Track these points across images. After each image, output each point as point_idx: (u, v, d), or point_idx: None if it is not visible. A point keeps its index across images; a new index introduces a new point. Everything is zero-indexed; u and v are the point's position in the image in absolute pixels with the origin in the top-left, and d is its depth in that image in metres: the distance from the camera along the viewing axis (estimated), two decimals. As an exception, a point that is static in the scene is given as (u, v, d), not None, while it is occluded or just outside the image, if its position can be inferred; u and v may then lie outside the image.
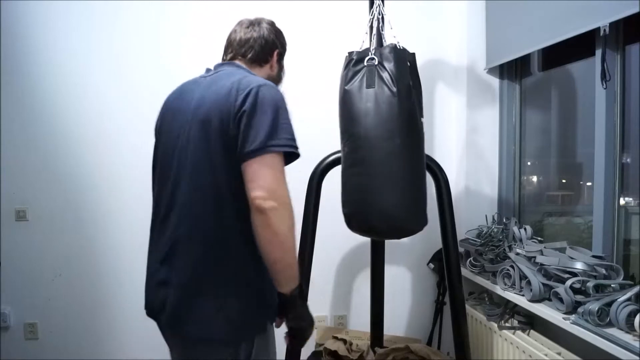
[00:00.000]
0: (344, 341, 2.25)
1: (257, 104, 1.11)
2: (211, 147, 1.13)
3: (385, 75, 1.52)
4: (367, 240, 2.24)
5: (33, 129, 2.35)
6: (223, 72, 1.27)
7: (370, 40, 1.73)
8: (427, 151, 2.09)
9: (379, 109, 1.51)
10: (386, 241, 2.12)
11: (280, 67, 1.45)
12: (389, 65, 1.53)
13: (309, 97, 2.43)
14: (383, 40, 1.72)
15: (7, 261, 2.36)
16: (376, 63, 1.54)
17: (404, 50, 1.59)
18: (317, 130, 2.36)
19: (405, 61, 1.56)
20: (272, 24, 1.43)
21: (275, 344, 1.29)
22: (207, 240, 1.14)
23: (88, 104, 2.37)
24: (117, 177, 2.37)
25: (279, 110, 1.13)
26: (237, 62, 1.34)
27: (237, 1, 2.36)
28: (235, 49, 1.36)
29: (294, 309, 1.18)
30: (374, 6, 1.71)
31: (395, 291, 2.52)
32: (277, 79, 1.43)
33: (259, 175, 1.07)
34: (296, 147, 1.14)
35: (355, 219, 1.61)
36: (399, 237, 1.71)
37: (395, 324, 2.53)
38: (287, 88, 2.38)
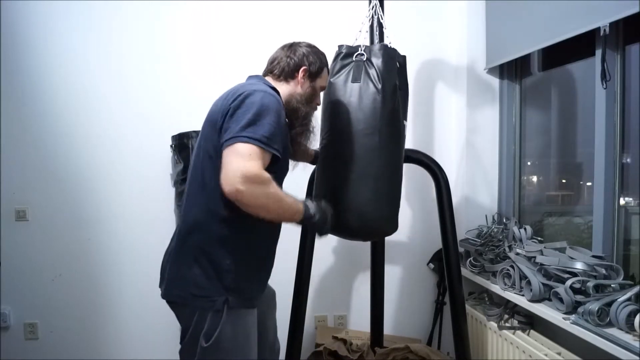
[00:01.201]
0: (344, 341, 2.25)
1: (243, 103, 1.25)
2: (207, 143, 1.31)
3: (372, 71, 1.51)
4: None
5: (33, 129, 2.35)
6: (244, 82, 1.44)
7: (371, 40, 1.73)
8: (427, 151, 2.10)
9: (361, 104, 1.49)
10: (386, 241, 2.12)
11: (312, 86, 1.50)
12: (377, 62, 1.51)
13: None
14: (384, 39, 1.72)
15: (7, 261, 2.36)
16: (364, 59, 1.53)
17: (395, 50, 1.58)
18: (317, 130, 2.36)
19: (394, 60, 1.55)
20: (308, 46, 1.51)
21: (247, 335, 1.35)
22: (193, 222, 1.33)
23: (88, 104, 2.37)
24: (117, 177, 2.37)
25: (263, 112, 1.23)
26: (266, 77, 1.48)
27: (236, 1, 2.37)
28: (267, 66, 1.51)
29: (312, 227, 1.40)
30: (371, 6, 1.71)
31: (395, 291, 2.52)
32: (306, 97, 1.48)
33: (225, 164, 1.19)
34: (269, 145, 1.22)
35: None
36: (369, 238, 1.70)
37: (395, 324, 2.54)
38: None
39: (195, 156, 1.38)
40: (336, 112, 1.53)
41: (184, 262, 1.33)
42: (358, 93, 1.50)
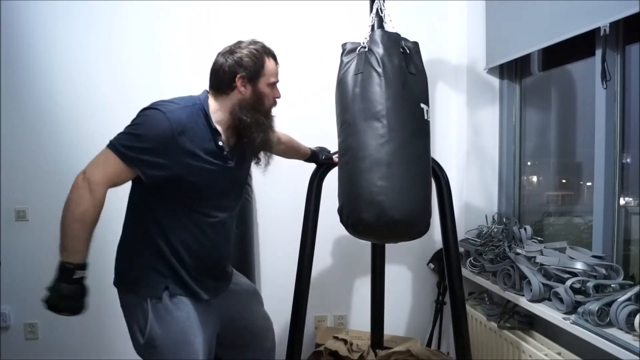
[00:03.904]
0: (345, 341, 2.24)
1: (135, 117, 1.37)
2: None
3: (372, 58, 1.47)
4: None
5: (33, 129, 2.35)
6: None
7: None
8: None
9: (366, 93, 1.45)
10: (386, 241, 2.11)
11: (257, 91, 1.42)
12: (376, 49, 1.47)
13: (310, 97, 2.43)
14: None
15: (7, 261, 2.35)
16: (366, 50, 1.51)
17: (398, 35, 1.54)
18: (317, 130, 2.36)
19: (396, 45, 1.50)
20: (247, 46, 1.41)
21: (177, 324, 1.37)
22: (124, 222, 1.52)
23: (88, 104, 2.37)
24: (117, 177, 2.37)
25: (139, 126, 1.32)
26: (207, 91, 1.45)
27: (236, 1, 2.37)
28: (209, 81, 1.45)
29: (52, 284, 1.37)
30: (375, 5, 1.71)
31: (395, 291, 2.52)
32: (249, 104, 1.41)
33: (92, 160, 1.36)
34: (123, 154, 1.31)
35: (346, 211, 1.51)
36: (391, 236, 1.52)
37: (395, 324, 2.53)
38: (288, 88, 2.40)
39: None
40: (344, 107, 1.51)
41: (122, 252, 1.50)
42: (362, 83, 1.47)
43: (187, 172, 1.34)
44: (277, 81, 1.48)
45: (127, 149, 1.30)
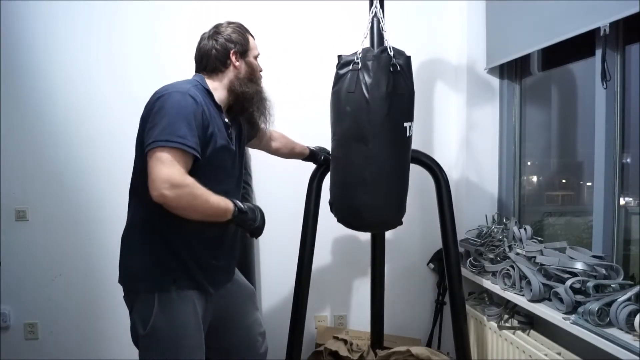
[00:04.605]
0: (345, 341, 2.25)
1: (156, 106, 1.30)
2: (137, 148, 1.37)
3: (362, 82, 1.56)
4: (367, 239, 2.25)
5: (33, 129, 2.35)
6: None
7: (372, 41, 1.73)
8: (427, 151, 2.10)
9: (354, 114, 1.57)
10: (386, 241, 2.12)
11: (249, 64, 1.49)
12: (366, 72, 1.56)
13: (309, 97, 2.43)
14: (384, 40, 1.72)
15: (7, 261, 2.36)
16: (359, 67, 1.57)
17: (389, 56, 1.57)
18: (317, 130, 2.36)
19: (386, 67, 1.56)
20: (229, 25, 1.49)
21: (181, 317, 1.36)
22: (129, 216, 1.45)
23: (88, 103, 2.37)
24: (117, 176, 2.36)
25: (176, 114, 1.27)
26: (201, 74, 1.47)
27: (236, 1, 2.36)
28: (197, 65, 1.50)
29: (242, 225, 1.40)
30: (372, 6, 1.71)
31: (395, 291, 2.52)
32: (246, 77, 1.48)
33: (150, 170, 1.24)
34: (187, 146, 1.25)
35: (334, 208, 1.76)
36: (371, 230, 1.86)
37: (395, 324, 2.53)
38: (288, 89, 2.41)
39: (136, 151, 1.41)
40: (337, 119, 1.64)
41: (127, 250, 1.45)
42: (352, 103, 1.57)
43: (212, 149, 1.35)
44: (259, 54, 1.56)
45: (181, 138, 1.25)
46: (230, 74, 1.46)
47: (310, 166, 1.94)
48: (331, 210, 1.77)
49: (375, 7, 1.70)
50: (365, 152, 1.57)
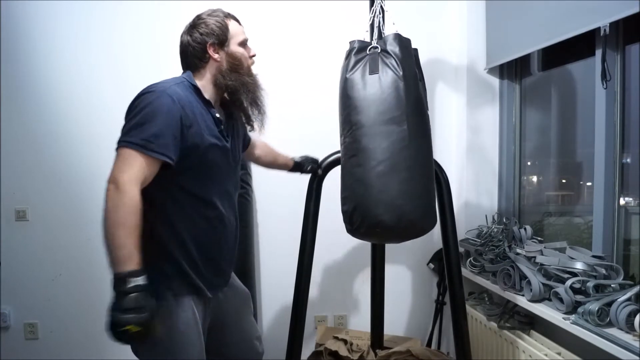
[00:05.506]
0: (345, 341, 2.25)
1: (134, 104, 1.28)
2: None
3: (389, 60, 1.46)
4: (367, 240, 2.24)
5: (33, 129, 2.35)
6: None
7: (371, 38, 1.72)
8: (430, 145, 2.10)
9: (383, 95, 1.44)
10: (386, 241, 2.11)
11: (231, 54, 1.40)
12: (393, 50, 1.47)
13: (309, 97, 2.43)
14: (382, 36, 1.72)
15: (7, 261, 2.36)
16: (379, 51, 1.49)
17: (409, 40, 1.54)
18: (317, 130, 2.37)
19: (410, 49, 1.52)
20: (208, 16, 1.41)
21: (181, 325, 1.32)
22: None
23: (88, 103, 2.37)
24: (117, 177, 2.37)
25: (150, 114, 1.23)
26: (187, 72, 1.42)
27: (236, 2, 2.36)
28: (182, 64, 1.46)
29: (115, 292, 1.17)
30: (375, 4, 1.70)
31: (395, 291, 2.52)
32: (231, 67, 1.39)
33: (113, 166, 1.23)
34: (151, 149, 1.21)
35: (357, 214, 1.48)
36: (406, 236, 1.53)
37: (395, 324, 2.54)
38: (288, 89, 2.41)
39: None
40: (357, 107, 1.48)
41: None
42: (378, 84, 1.45)
43: (199, 148, 1.30)
44: (247, 39, 1.46)
45: (145, 141, 1.21)
46: (212, 67, 1.40)
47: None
48: (349, 223, 1.54)
49: (379, 4, 1.69)
50: (398, 136, 1.43)
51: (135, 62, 2.39)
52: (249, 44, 1.49)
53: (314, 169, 1.84)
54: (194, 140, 1.29)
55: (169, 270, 1.33)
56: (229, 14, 1.45)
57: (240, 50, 1.43)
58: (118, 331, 1.19)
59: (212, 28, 1.38)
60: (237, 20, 1.46)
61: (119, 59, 2.37)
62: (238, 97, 1.41)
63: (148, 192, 1.29)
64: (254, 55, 1.48)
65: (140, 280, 1.17)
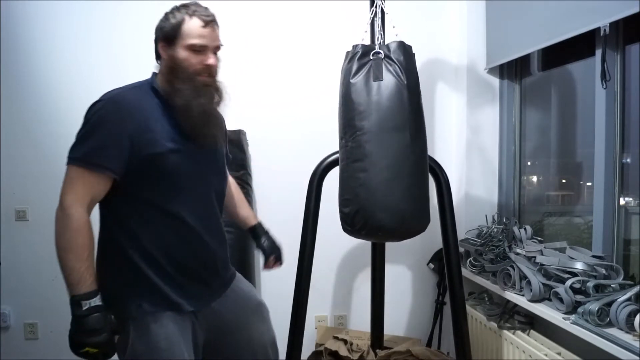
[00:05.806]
0: (345, 341, 2.25)
1: (86, 113, 1.28)
2: None
3: (393, 68, 1.49)
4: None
5: (33, 129, 2.35)
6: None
7: (372, 38, 1.72)
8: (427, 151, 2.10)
9: (388, 102, 1.48)
10: (386, 241, 2.11)
11: (171, 55, 1.26)
12: (397, 58, 1.50)
13: (309, 97, 2.43)
14: (383, 38, 1.72)
15: (7, 261, 2.36)
16: (382, 57, 1.51)
17: (411, 47, 1.57)
18: (317, 130, 2.36)
19: (413, 56, 1.55)
20: (166, 12, 1.30)
21: (162, 342, 1.25)
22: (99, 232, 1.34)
23: (88, 103, 2.35)
24: (117, 177, 2.37)
25: (95, 125, 1.22)
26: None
27: (237, 2, 2.36)
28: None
29: (73, 321, 1.17)
30: (375, 4, 1.71)
31: (395, 291, 2.52)
32: (172, 68, 1.26)
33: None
34: (93, 164, 1.19)
35: (360, 216, 1.52)
36: (406, 237, 1.60)
37: (395, 324, 2.53)
38: (287, 89, 2.41)
39: None
40: (361, 112, 1.50)
41: (99, 274, 1.26)
42: (383, 91, 1.49)
43: (156, 156, 1.22)
44: (203, 44, 1.25)
45: (87, 156, 1.18)
46: (162, 66, 1.30)
47: (310, 167, 1.93)
48: (350, 225, 1.58)
49: (378, 5, 1.69)
50: (402, 142, 1.48)
51: (135, 62, 2.37)
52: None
53: (269, 247, 1.66)
54: (149, 149, 1.22)
55: (141, 287, 1.26)
56: (196, 10, 1.26)
57: (184, 54, 1.25)
58: (79, 352, 1.18)
59: (166, 24, 1.26)
60: (210, 23, 1.27)
61: (119, 59, 2.37)
62: (172, 103, 1.28)
63: (113, 208, 1.27)
64: (207, 63, 1.28)
65: (95, 302, 1.16)
